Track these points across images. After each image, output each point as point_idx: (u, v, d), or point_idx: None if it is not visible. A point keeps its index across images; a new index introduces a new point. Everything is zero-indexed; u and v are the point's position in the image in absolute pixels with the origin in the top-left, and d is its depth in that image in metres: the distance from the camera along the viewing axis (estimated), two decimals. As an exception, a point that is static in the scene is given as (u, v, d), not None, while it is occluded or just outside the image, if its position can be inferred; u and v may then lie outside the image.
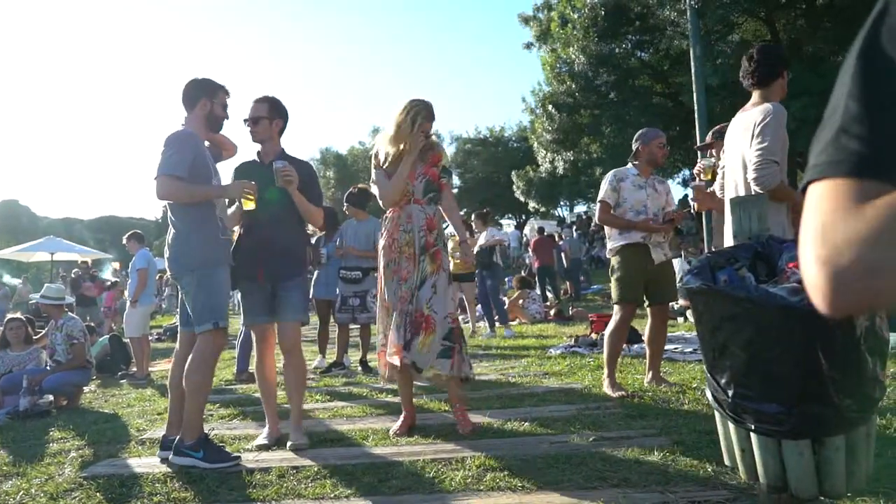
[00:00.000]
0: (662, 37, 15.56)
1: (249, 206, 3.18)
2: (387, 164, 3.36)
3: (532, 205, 24.41)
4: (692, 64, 10.54)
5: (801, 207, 0.54)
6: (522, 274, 13.10)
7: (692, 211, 5.01)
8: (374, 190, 3.44)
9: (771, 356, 1.74)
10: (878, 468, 1.96)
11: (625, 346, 5.03)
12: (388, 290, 3.32)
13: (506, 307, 9.24)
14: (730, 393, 1.83)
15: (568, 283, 13.77)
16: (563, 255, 13.82)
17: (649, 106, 16.16)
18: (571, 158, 18.38)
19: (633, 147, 4.21)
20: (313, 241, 6.60)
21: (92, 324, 7.83)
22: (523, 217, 31.13)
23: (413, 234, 3.29)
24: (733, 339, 1.80)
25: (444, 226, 3.51)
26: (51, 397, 5.14)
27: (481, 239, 8.52)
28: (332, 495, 2.51)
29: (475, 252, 8.27)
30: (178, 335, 3.34)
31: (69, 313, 5.98)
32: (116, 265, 18.09)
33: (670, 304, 8.31)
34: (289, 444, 3.25)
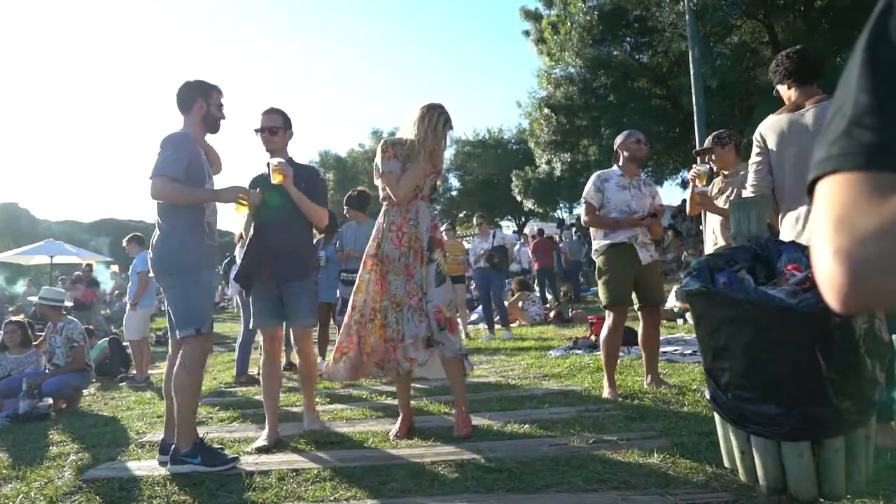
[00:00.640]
0: (661, 39, 15.58)
1: (242, 210, 3.23)
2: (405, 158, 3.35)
3: (530, 206, 24.39)
4: (691, 66, 10.58)
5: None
6: (522, 276, 13.11)
7: (685, 213, 5.02)
8: (380, 182, 3.36)
9: (770, 358, 1.74)
10: (878, 470, 1.96)
11: (624, 347, 5.04)
12: (395, 283, 3.28)
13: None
14: (729, 395, 1.84)
15: (567, 285, 13.77)
16: (562, 256, 13.83)
17: (648, 108, 16.19)
18: (569, 160, 18.39)
19: (614, 150, 4.25)
20: (314, 242, 6.61)
21: (90, 326, 7.81)
22: (522, 219, 31.11)
23: (421, 230, 3.30)
24: (732, 340, 1.80)
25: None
26: (50, 400, 5.13)
27: (478, 242, 8.53)
28: (331, 498, 2.51)
29: (484, 253, 8.29)
30: (170, 339, 3.33)
31: (68, 316, 5.98)
32: (116, 268, 18.09)
33: (670, 306, 8.39)
34: (305, 427, 3.56)
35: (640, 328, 4.19)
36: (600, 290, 4.06)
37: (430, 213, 3.36)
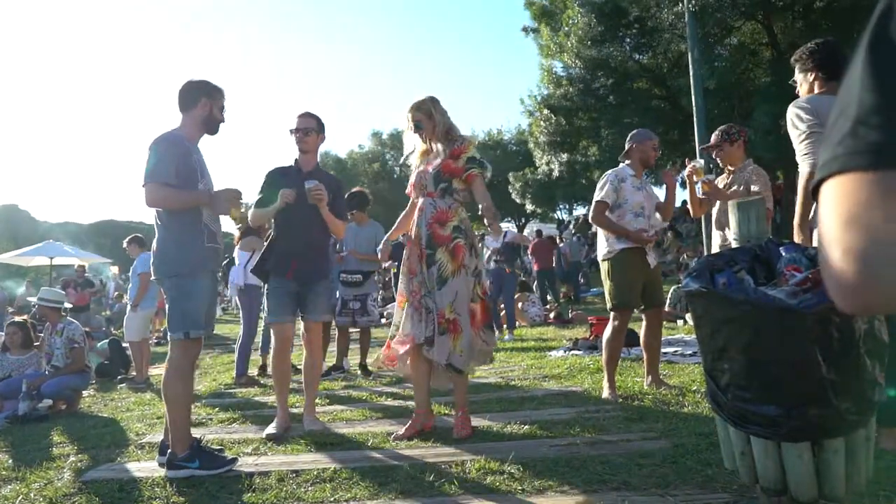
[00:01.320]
0: (660, 40, 15.58)
1: (235, 214, 3.23)
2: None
3: (529, 207, 24.38)
4: (690, 67, 10.58)
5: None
6: (522, 277, 13.11)
7: (690, 215, 4.98)
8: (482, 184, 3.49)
9: (770, 359, 1.74)
10: (878, 471, 1.96)
11: (623, 349, 5.03)
12: (403, 282, 3.39)
13: (503, 312, 9.26)
14: (729, 395, 1.84)
15: (567, 286, 13.77)
16: (563, 257, 13.83)
17: (648, 109, 16.18)
18: (568, 161, 18.39)
19: (626, 146, 4.18)
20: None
21: (87, 329, 7.81)
22: (522, 220, 31.10)
23: (421, 228, 3.30)
24: (732, 341, 1.80)
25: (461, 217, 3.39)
26: (50, 401, 5.13)
27: (490, 241, 8.54)
28: (331, 499, 2.51)
29: (497, 251, 8.30)
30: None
31: (68, 317, 5.97)
32: (115, 269, 18.08)
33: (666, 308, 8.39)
34: (305, 428, 3.59)
35: (642, 329, 4.19)
36: (609, 291, 4.02)
37: (436, 209, 3.29)
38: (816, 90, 2.91)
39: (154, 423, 4.32)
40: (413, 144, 3.50)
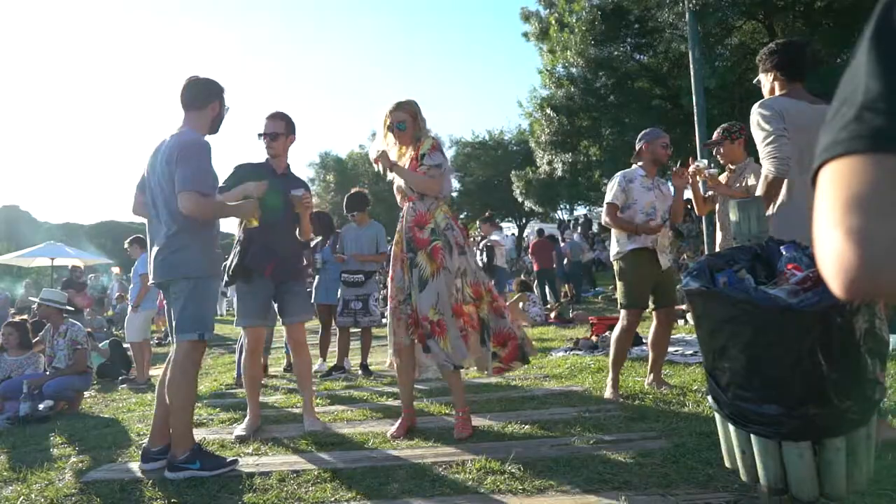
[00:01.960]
0: (661, 39, 15.58)
1: (255, 223, 3.34)
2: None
3: (531, 206, 24.37)
4: (691, 66, 10.57)
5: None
6: (522, 276, 13.10)
7: (692, 213, 4.96)
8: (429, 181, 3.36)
9: (770, 358, 1.74)
10: (879, 469, 1.96)
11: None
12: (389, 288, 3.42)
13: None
14: (729, 395, 1.83)
15: (568, 286, 13.76)
16: (564, 257, 13.82)
17: (649, 109, 16.17)
18: (570, 160, 18.39)
19: (637, 146, 4.17)
20: (312, 244, 6.61)
21: (89, 329, 7.81)
22: (523, 220, 31.10)
23: (402, 232, 3.31)
24: (733, 340, 1.80)
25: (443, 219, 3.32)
26: (51, 402, 5.13)
27: (481, 244, 8.56)
28: (332, 499, 2.51)
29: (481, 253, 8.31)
30: (172, 343, 3.24)
31: (70, 319, 5.98)
32: (117, 270, 18.09)
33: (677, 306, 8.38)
34: (305, 429, 3.58)
35: (651, 328, 4.18)
36: (620, 291, 4.04)
37: (415, 212, 3.28)
38: (778, 91, 2.93)
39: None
40: (379, 148, 3.37)
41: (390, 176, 3.39)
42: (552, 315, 10.21)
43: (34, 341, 5.96)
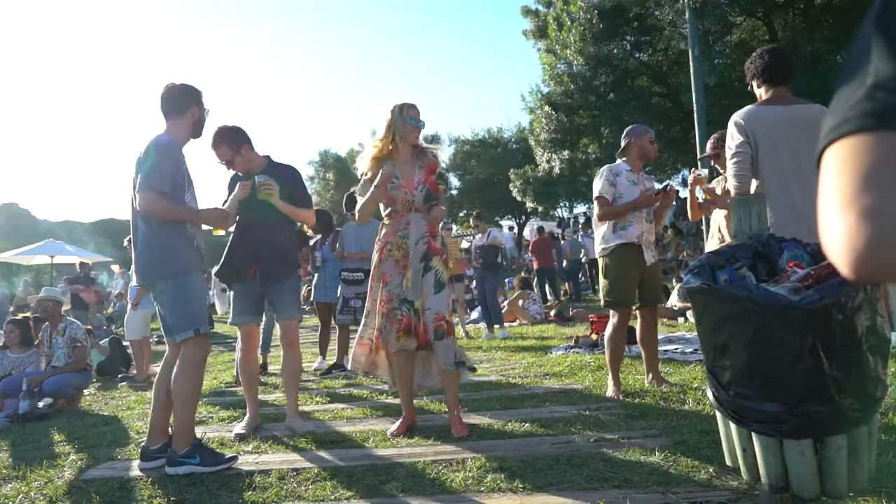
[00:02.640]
0: (661, 37, 15.56)
1: (219, 232, 3.31)
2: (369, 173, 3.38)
3: (530, 204, 24.38)
4: (691, 64, 10.57)
5: None
6: (522, 274, 13.10)
7: (688, 217, 4.94)
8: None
9: (772, 356, 1.73)
10: (881, 467, 1.96)
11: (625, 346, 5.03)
12: (373, 291, 3.40)
13: (504, 308, 9.26)
14: (731, 393, 1.83)
15: (568, 284, 13.76)
16: (564, 255, 13.82)
17: (648, 106, 16.17)
18: (569, 158, 18.39)
19: (622, 143, 4.18)
20: (311, 242, 6.61)
21: (89, 327, 7.80)
22: (523, 218, 31.11)
23: (408, 240, 3.29)
24: (734, 338, 1.79)
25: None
26: (50, 400, 5.12)
27: (478, 240, 8.54)
28: (332, 497, 2.50)
29: (477, 253, 8.30)
30: (167, 343, 3.24)
31: (69, 317, 5.97)
32: (116, 268, 18.08)
33: (670, 304, 8.39)
34: (286, 426, 3.57)
35: (638, 327, 4.19)
36: (605, 289, 4.02)
37: (426, 223, 3.30)
38: (763, 95, 3.05)
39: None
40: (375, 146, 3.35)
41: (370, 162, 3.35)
42: (552, 313, 10.21)
43: (37, 343, 5.95)
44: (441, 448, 3.03)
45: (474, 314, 10.49)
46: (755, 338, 1.74)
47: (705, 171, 4.02)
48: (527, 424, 3.32)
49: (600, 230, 4.08)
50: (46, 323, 5.77)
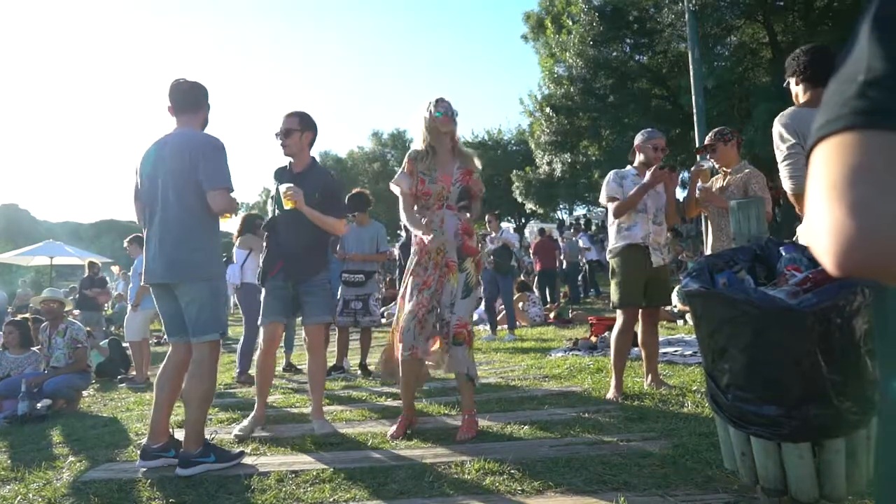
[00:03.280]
0: (661, 39, 15.58)
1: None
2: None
3: (530, 207, 24.40)
4: (691, 66, 10.58)
5: None
6: (522, 277, 13.10)
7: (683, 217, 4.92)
8: (395, 190, 3.40)
9: (770, 359, 1.73)
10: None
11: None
12: (411, 290, 3.32)
13: (502, 311, 9.25)
14: (729, 396, 1.83)
15: (566, 286, 13.77)
16: (564, 257, 13.83)
17: (648, 109, 16.20)
18: (569, 160, 18.40)
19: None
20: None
21: (88, 328, 7.81)
22: (522, 220, 31.11)
23: (446, 240, 3.27)
24: (732, 341, 1.79)
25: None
26: (49, 401, 5.12)
27: (490, 240, 8.52)
28: (330, 499, 2.50)
29: (490, 254, 8.28)
30: (170, 344, 3.23)
31: (69, 318, 5.97)
32: (116, 269, 18.08)
33: (669, 307, 8.39)
34: (315, 431, 3.51)
35: (639, 327, 4.19)
36: (613, 290, 4.05)
37: (459, 220, 3.30)
38: (801, 96, 2.99)
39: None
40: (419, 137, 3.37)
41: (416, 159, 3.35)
42: (551, 315, 10.21)
43: (38, 347, 5.95)
44: (440, 450, 3.03)
45: (475, 315, 10.47)
46: (754, 341, 1.75)
47: (709, 164, 4.01)
48: (526, 427, 3.32)
49: (610, 234, 4.12)
50: (45, 323, 5.77)
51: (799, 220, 2.85)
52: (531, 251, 13.83)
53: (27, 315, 6.66)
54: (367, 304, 5.93)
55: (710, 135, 4.16)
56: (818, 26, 13.76)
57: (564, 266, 13.84)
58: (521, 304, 10.06)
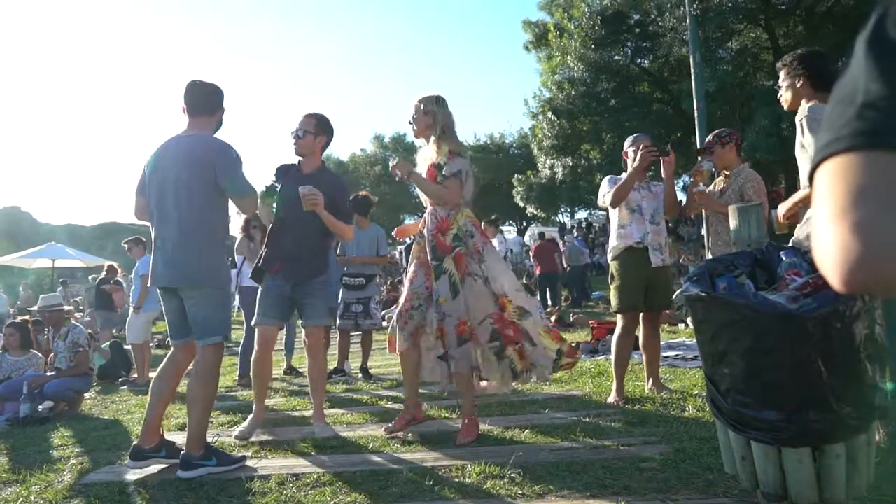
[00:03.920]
0: (662, 43, 15.60)
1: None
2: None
3: (532, 210, 24.42)
4: (692, 70, 10.60)
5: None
6: (524, 280, 13.09)
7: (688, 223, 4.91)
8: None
9: (770, 364, 1.73)
10: (879, 476, 1.96)
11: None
12: (409, 280, 3.42)
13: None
14: (729, 400, 1.83)
15: (567, 290, 13.76)
16: (563, 261, 13.81)
17: (649, 112, 16.23)
18: (571, 164, 18.42)
19: None
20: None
21: (89, 331, 7.82)
22: (524, 223, 31.12)
23: (426, 237, 3.30)
24: (732, 346, 1.79)
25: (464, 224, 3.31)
26: (50, 403, 5.13)
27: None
28: (331, 502, 2.50)
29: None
30: (173, 345, 3.24)
31: (71, 321, 5.98)
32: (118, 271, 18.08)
33: (666, 311, 8.36)
34: (315, 434, 3.50)
35: (640, 331, 4.19)
36: (613, 294, 4.06)
37: (437, 218, 3.28)
38: (804, 98, 2.93)
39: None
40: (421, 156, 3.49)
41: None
42: (552, 319, 10.20)
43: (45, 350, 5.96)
44: (441, 454, 3.03)
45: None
46: (753, 346, 1.75)
47: (709, 165, 4.02)
48: (526, 431, 3.32)
49: (610, 236, 4.16)
50: (49, 325, 5.79)
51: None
52: (532, 255, 13.83)
53: (27, 318, 6.68)
54: (368, 308, 5.94)
55: (709, 137, 4.18)
56: (819, 30, 13.77)
57: (566, 270, 13.82)
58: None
